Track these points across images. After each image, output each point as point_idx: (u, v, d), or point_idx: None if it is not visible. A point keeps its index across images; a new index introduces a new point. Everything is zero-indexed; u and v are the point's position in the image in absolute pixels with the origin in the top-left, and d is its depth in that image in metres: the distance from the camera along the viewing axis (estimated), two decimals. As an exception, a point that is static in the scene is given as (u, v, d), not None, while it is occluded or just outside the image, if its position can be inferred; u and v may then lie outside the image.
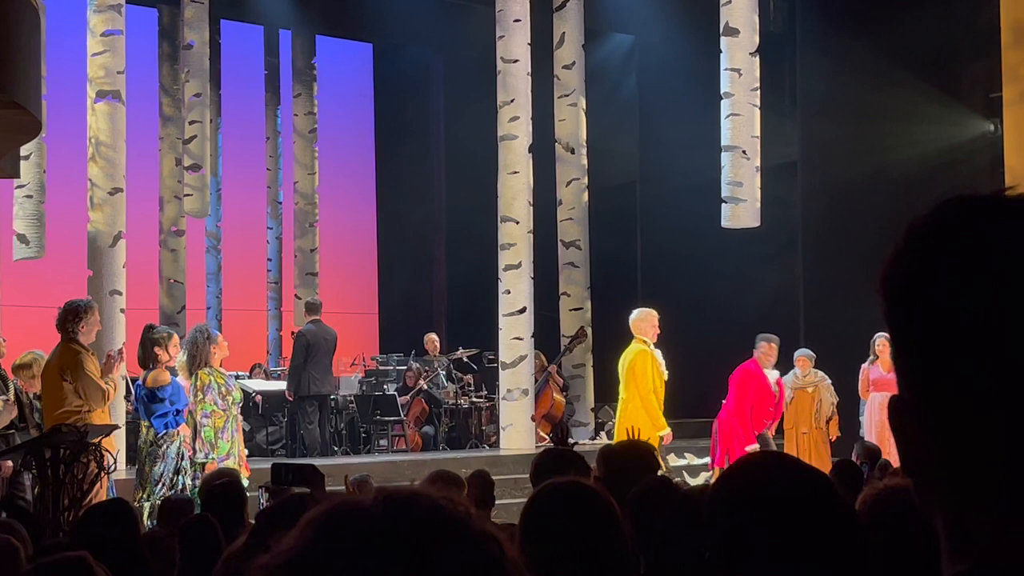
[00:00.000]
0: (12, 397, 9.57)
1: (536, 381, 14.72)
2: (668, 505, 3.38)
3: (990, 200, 0.99)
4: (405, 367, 15.90)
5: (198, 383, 9.03)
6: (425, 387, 15.29)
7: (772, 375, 11.71)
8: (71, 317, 8.71)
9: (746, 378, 11.44)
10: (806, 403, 12.54)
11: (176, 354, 9.26)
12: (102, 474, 8.09)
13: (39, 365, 9.44)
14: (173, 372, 9.34)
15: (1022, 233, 0.96)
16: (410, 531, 0.96)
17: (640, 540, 3.33)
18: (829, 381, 12.60)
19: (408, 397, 15.17)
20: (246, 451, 9.97)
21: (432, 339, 16.52)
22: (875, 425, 11.97)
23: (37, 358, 9.58)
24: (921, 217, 1.00)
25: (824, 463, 11.14)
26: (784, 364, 15.03)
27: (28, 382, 9.54)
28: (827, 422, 12.55)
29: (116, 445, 9.42)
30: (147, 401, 8.91)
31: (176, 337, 9.41)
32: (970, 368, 0.94)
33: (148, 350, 9.06)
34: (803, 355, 12.76)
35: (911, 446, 1.00)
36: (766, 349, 11.60)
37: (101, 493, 8.11)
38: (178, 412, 8.93)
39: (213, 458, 8.93)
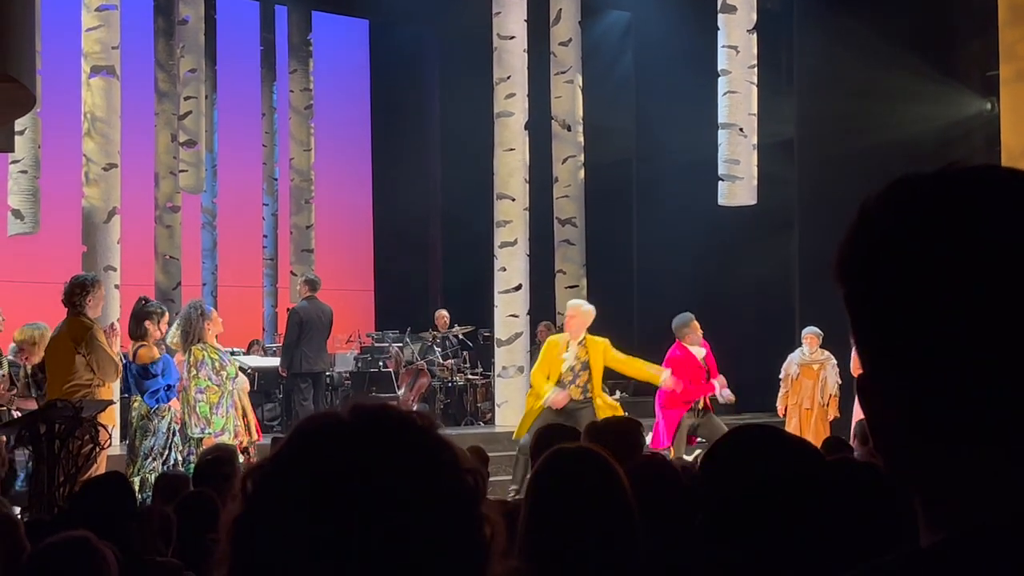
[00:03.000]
0: (6, 371, 9.56)
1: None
2: (662, 480, 3.39)
3: (937, 177, 1.02)
4: (401, 344, 15.90)
5: (192, 359, 9.02)
6: (416, 365, 15.28)
7: (699, 352, 11.67)
8: (79, 291, 8.68)
9: (676, 364, 11.29)
10: (810, 380, 12.68)
11: (165, 331, 9.25)
12: (97, 449, 8.10)
13: (42, 336, 9.44)
14: (167, 349, 9.33)
15: (970, 207, 0.98)
16: (375, 435, 1.14)
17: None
18: (835, 361, 12.68)
19: (413, 369, 15.14)
20: (256, 418, 9.97)
21: (442, 315, 16.55)
22: (858, 408, 12.03)
23: (41, 331, 9.57)
24: (872, 198, 1.03)
25: (822, 439, 11.26)
26: (785, 341, 15.06)
27: (31, 352, 9.52)
28: (829, 401, 12.67)
29: (115, 420, 9.43)
30: (139, 377, 8.91)
31: (167, 315, 9.40)
32: (935, 339, 0.96)
33: (140, 323, 9.05)
34: (811, 333, 12.86)
35: (880, 422, 1.02)
36: (689, 330, 11.46)
37: (101, 468, 8.13)
38: (169, 387, 8.93)
39: (209, 433, 8.93)
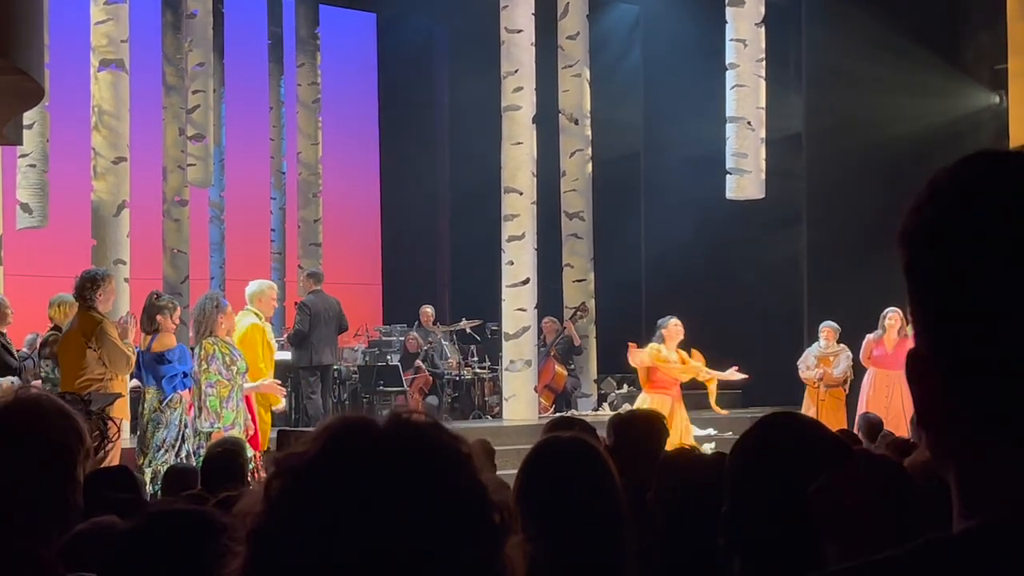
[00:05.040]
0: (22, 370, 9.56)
1: (557, 341, 14.93)
2: (692, 471, 3.41)
3: (1013, 155, 1.00)
4: (404, 337, 15.93)
5: (202, 352, 9.02)
6: (424, 349, 15.28)
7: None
8: (89, 285, 8.74)
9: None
10: (827, 368, 12.79)
11: (178, 323, 9.27)
12: (106, 443, 8.11)
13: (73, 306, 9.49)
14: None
15: None
16: (409, 454, 1.11)
17: (664, 505, 3.38)
18: (850, 353, 12.71)
19: (413, 369, 15.18)
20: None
21: (426, 312, 16.54)
22: (868, 400, 12.06)
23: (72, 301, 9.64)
24: (945, 170, 1.02)
25: (837, 424, 11.38)
26: (793, 335, 15.08)
27: (66, 315, 9.53)
28: (842, 384, 12.78)
29: (127, 413, 9.44)
30: (155, 364, 8.93)
31: (180, 309, 9.42)
32: (992, 317, 0.95)
33: (151, 318, 9.08)
34: (828, 327, 12.95)
35: (928, 397, 1.01)
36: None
37: (115, 460, 8.17)
38: (185, 375, 8.96)
39: (219, 427, 8.94)
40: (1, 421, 2.21)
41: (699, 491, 3.12)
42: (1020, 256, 0.94)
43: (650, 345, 11.38)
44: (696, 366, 11.48)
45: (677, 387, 11.42)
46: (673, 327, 11.44)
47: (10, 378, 9.29)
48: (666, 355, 11.26)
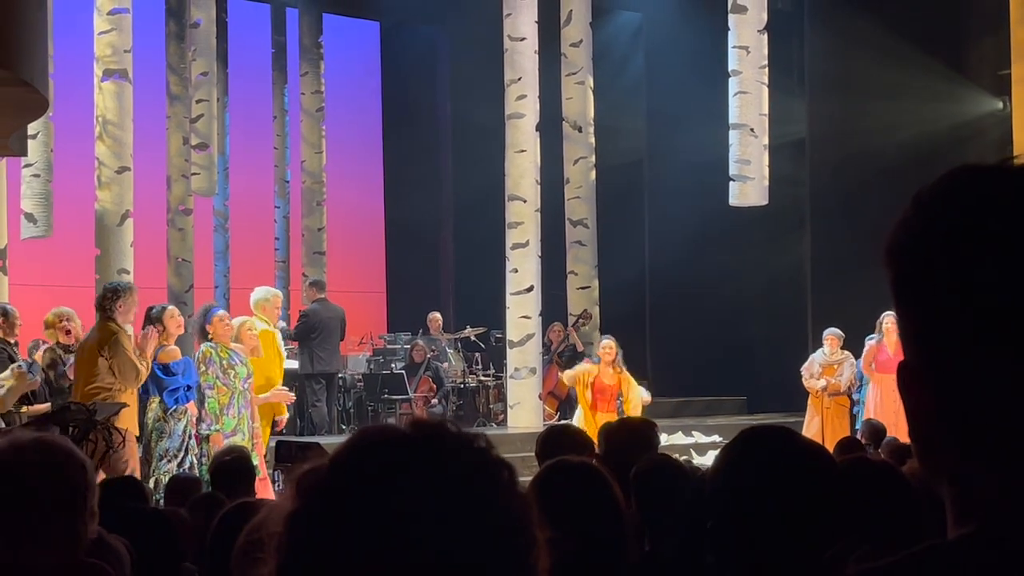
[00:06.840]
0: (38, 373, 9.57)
1: (560, 349, 14.91)
2: (670, 482, 3.40)
3: (996, 169, 1.01)
4: (410, 346, 15.92)
5: (200, 356, 9.14)
6: (429, 357, 15.29)
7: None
8: (111, 296, 8.96)
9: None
10: (832, 379, 12.76)
11: (177, 325, 9.24)
12: (110, 452, 8.12)
13: (72, 314, 9.57)
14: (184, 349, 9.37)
15: None
16: (435, 453, 1.14)
17: (644, 516, 3.36)
18: (854, 361, 12.69)
19: (418, 378, 15.18)
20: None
21: (435, 318, 16.54)
22: (876, 406, 12.04)
23: (71, 312, 9.75)
24: (928, 186, 1.02)
25: (842, 433, 11.34)
26: (798, 342, 15.06)
27: (66, 329, 9.65)
28: (847, 394, 12.76)
29: (135, 423, 9.45)
30: (159, 376, 8.96)
31: (172, 308, 9.42)
32: (978, 331, 0.95)
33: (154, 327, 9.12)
34: (832, 334, 12.90)
35: (918, 409, 1.01)
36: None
37: (136, 471, 8.27)
38: (188, 388, 8.99)
39: (217, 429, 8.97)
40: (21, 459, 2.51)
41: (678, 501, 3.11)
42: (1004, 269, 0.95)
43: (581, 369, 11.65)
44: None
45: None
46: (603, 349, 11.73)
47: (19, 363, 9.32)
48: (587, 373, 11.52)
